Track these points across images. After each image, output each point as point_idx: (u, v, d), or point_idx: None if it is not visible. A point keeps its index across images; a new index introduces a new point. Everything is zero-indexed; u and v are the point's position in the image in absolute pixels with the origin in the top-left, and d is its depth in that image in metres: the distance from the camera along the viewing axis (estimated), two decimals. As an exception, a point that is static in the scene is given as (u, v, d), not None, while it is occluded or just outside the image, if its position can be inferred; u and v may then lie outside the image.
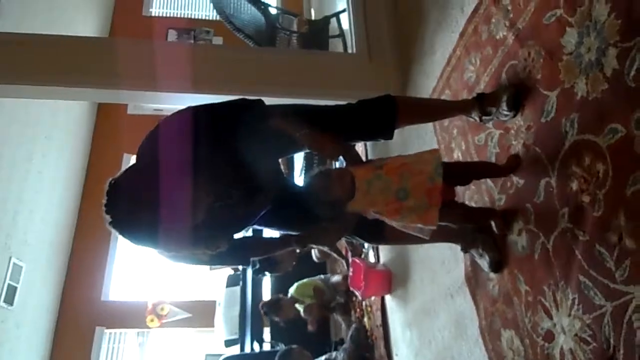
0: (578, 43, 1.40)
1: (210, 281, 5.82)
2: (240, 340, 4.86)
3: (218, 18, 3.99)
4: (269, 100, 1.75)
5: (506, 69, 1.79)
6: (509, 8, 1.77)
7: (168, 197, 1.23)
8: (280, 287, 4.53)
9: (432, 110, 1.83)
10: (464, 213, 1.80)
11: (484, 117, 1.84)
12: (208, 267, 4.82)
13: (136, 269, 6.26)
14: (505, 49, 1.79)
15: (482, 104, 1.79)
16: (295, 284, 4.12)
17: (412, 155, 1.63)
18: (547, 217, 1.52)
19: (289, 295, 4.10)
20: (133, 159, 6.91)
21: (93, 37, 5.51)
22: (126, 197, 1.24)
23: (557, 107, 1.49)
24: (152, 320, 5.62)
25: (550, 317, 1.49)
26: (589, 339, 1.32)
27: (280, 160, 1.81)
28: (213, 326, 5.57)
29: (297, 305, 4.03)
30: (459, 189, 1.89)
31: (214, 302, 5.71)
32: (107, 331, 5.97)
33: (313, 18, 4.55)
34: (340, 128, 1.72)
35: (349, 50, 3.61)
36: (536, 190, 1.58)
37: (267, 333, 4.77)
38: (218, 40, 6.54)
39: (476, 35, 2.00)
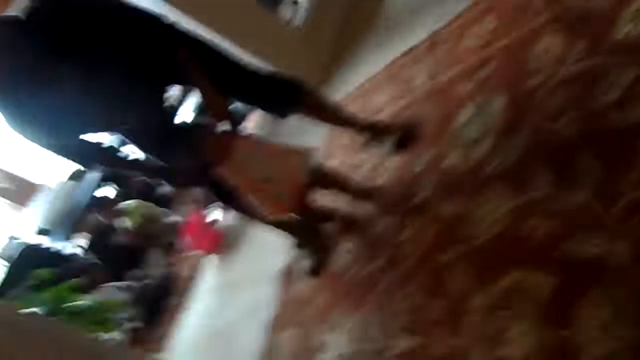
0: (469, 119, 1.54)
1: (46, 164, 5.36)
2: (54, 235, 4.55)
3: None
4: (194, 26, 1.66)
5: (408, 112, 1.90)
6: (435, 63, 1.89)
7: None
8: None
9: (333, 116, 1.88)
10: (312, 209, 1.89)
11: (370, 143, 1.93)
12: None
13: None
14: (415, 95, 1.90)
15: (375, 132, 1.89)
16: (135, 200, 3.99)
17: (290, 147, 1.68)
18: (371, 250, 1.65)
19: (123, 205, 3.97)
20: None
21: None
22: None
23: (426, 166, 1.62)
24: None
25: (331, 332, 1.61)
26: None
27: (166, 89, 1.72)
28: (26, 207, 5.17)
29: (124, 219, 3.91)
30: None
31: (40, 185, 5.30)
32: None
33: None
34: (241, 86, 1.69)
35: (296, 19, 3.58)
36: (376, 224, 1.71)
37: (83, 240, 4.53)
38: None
39: (401, 70, 2.10)
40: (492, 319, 1.10)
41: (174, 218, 4.13)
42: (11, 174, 5.61)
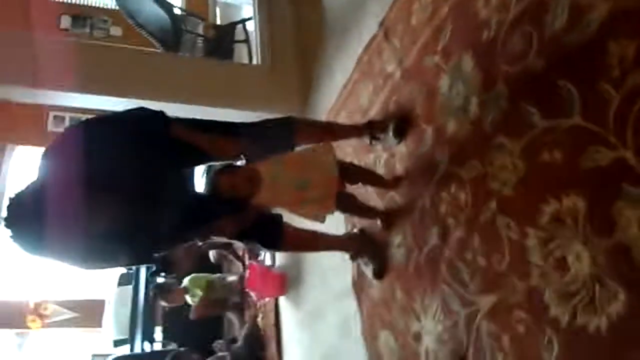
0: (450, 88, 1.65)
1: (99, 280, 5.59)
2: (130, 340, 4.75)
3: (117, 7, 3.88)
4: (167, 107, 1.80)
5: (394, 99, 2.02)
6: (397, 46, 2.00)
7: (68, 214, 1.28)
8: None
9: (328, 132, 2.01)
10: (355, 202, 2.01)
11: (373, 141, 2.05)
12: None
13: (16, 265, 5.82)
14: (393, 82, 2.01)
15: (373, 130, 2.01)
16: (190, 276, 4.15)
17: (308, 150, 1.81)
18: (420, 234, 1.76)
19: (182, 285, 4.13)
20: (19, 151, 6.34)
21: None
22: (28, 214, 1.26)
23: (432, 141, 1.73)
24: (33, 321, 5.27)
25: (419, 320, 1.73)
26: (447, 340, 1.57)
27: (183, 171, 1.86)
28: (101, 326, 5.37)
29: (187, 297, 4.07)
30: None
31: (103, 301, 5.51)
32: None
33: (219, 22, 4.58)
34: (237, 130, 1.83)
35: (254, 57, 3.72)
36: (413, 209, 1.82)
37: (158, 333, 4.73)
38: (116, 31, 6.26)
39: (370, 65, 2.21)
40: (548, 251, 1.20)
41: (232, 278, 4.29)
42: (70, 301, 5.82)
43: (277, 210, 1.91)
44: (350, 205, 2.00)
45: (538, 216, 1.24)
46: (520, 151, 1.31)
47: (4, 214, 1.29)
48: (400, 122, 1.91)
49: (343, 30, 2.57)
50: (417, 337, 1.73)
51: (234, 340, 4.26)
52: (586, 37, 1.15)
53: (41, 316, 5.34)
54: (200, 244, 2.63)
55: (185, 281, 4.15)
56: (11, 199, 1.29)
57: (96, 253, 1.40)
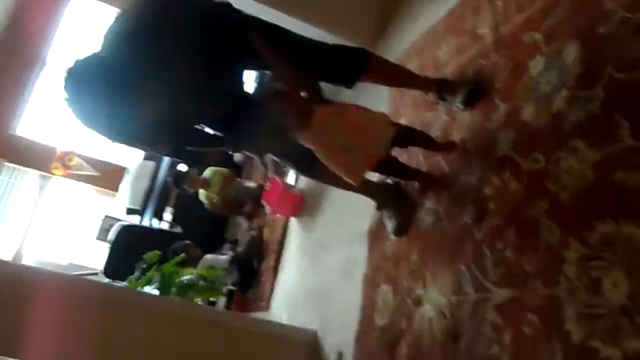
0: (541, 72, 1.54)
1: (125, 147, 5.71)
2: (141, 212, 4.96)
3: None
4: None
5: (475, 64, 1.91)
6: (499, 10, 1.86)
7: (125, 91, 1.28)
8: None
9: (398, 78, 1.93)
10: (395, 166, 1.98)
11: (438, 101, 1.97)
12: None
13: (54, 111, 5.97)
14: (481, 46, 1.89)
15: (442, 89, 1.92)
16: (210, 169, 4.22)
17: (370, 117, 1.75)
18: (455, 207, 1.73)
19: (203, 176, 4.21)
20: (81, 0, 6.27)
21: None
22: (86, 84, 1.27)
23: (502, 120, 1.65)
24: (57, 168, 5.48)
25: (424, 287, 1.74)
26: (447, 314, 1.58)
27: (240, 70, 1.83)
28: (116, 191, 5.57)
29: (201, 191, 4.16)
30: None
31: (125, 168, 5.67)
32: (8, 164, 5.73)
33: None
34: (309, 63, 1.77)
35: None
36: (456, 181, 1.77)
37: (168, 214, 4.90)
38: None
39: (460, 21, 2.08)
40: (586, 269, 1.17)
41: (250, 184, 4.36)
42: (94, 160, 5.99)
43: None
44: (391, 169, 1.96)
45: (588, 232, 1.19)
46: (595, 162, 1.24)
47: (67, 75, 1.30)
48: (474, 90, 1.82)
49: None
50: (418, 301, 1.75)
51: (236, 242, 4.40)
52: None
53: (65, 166, 5.53)
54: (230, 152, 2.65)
55: (207, 172, 4.22)
56: (77, 64, 1.30)
57: (142, 135, 1.42)
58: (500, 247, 1.46)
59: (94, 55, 1.42)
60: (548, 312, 1.23)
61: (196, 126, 1.78)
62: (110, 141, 1.56)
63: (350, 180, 1.75)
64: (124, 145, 1.66)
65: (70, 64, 1.35)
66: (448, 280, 1.63)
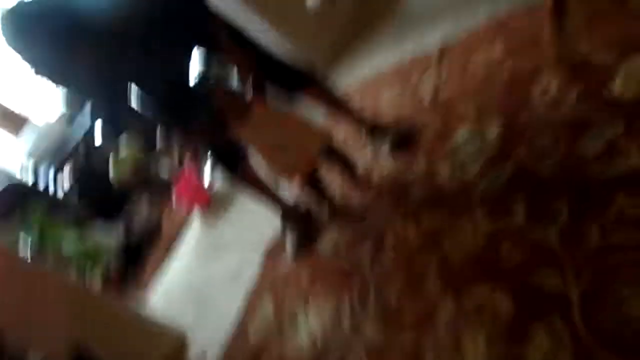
0: (465, 142, 1.66)
1: (38, 100, 5.31)
2: (39, 170, 4.60)
3: None
4: None
5: (409, 117, 2.01)
6: (442, 76, 1.98)
7: (77, 39, 1.25)
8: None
9: (338, 105, 1.99)
10: (318, 184, 2.02)
11: (368, 140, 2.04)
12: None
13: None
14: (418, 103, 2.00)
15: (374, 130, 2.00)
16: (128, 144, 4.05)
17: (310, 125, 1.79)
18: (355, 242, 1.78)
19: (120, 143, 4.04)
20: None
21: None
22: (33, 26, 1.24)
23: (419, 175, 1.74)
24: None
25: (306, 312, 1.76)
26: (318, 345, 1.60)
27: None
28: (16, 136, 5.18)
29: (111, 163, 3.99)
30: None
31: (29, 120, 5.31)
32: None
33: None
34: (261, 61, 1.79)
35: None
36: (363, 220, 1.84)
37: (67, 180, 4.59)
38: None
39: (409, 74, 2.19)
40: (454, 329, 1.24)
41: (165, 163, 4.21)
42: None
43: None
44: (313, 185, 2.00)
45: (465, 295, 1.27)
46: (487, 232, 1.34)
47: (9, 15, 1.25)
48: (402, 141, 1.91)
49: (408, 25, 2.53)
50: (295, 325, 1.76)
51: (131, 222, 4.20)
52: (607, 177, 1.18)
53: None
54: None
55: (123, 150, 4.04)
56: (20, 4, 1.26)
57: (80, 81, 1.36)
58: (386, 290, 1.51)
59: None
60: (411, 361, 1.29)
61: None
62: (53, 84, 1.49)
63: (283, 176, 1.78)
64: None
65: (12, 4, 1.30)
66: (329, 311, 1.66)
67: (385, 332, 1.42)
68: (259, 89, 1.69)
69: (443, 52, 2.07)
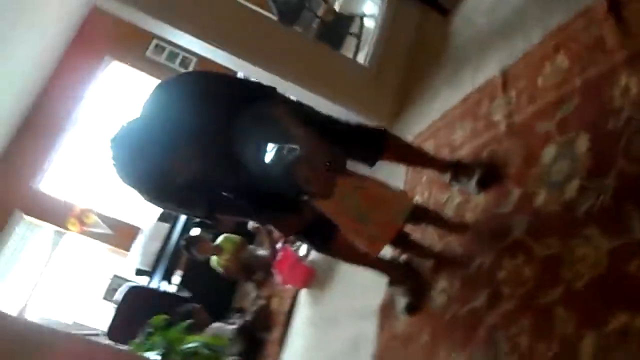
0: (554, 161, 1.59)
1: (142, 207, 5.81)
2: (151, 274, 4.94)
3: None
4: (262, 75, 1.81)
5: (489, 149, 1.97)
6: (512, 100, 1.94)
7: (163, 155, 1.36)
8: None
9: (416, 158, 2.00)
10: (408, 242, 2.00)
11: (453, 182, 2.02)
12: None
13: (76, 170, 6.15)
14: (495, 133, 1.97)
15: (457, 171, 1.97)
16: (223, 236, 4.26)
17: (389, 192, 1.80)
18: (467, 289, 1.72)
19: (216, 243, 4.25)
20: (114, 65, 6.62)
21: None
22: (130, 147, 1.38)
23: (515, 205, 1.68)
24: (73, 224, 5.57)
25: (437, 371, 1.70)
26: (459, 401, 1.54)
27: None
28: (128, 251, 5.60)
29: (213, 258, 4.18)
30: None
31: (138, 228, 5.73)
32: (26, 217, 5.85)
33: (338, 9, 4.61)
34: (332, 139, 1.84)
35: (360, 54, 3.73)
36: (469, 263, 1.78)
37: (177, 277, 4.88)
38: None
39: (476, 106, 2.17)
40: (602, 362, 1.15)
41: (262, 252, 4.36)
42: (110, 218, 6.07)
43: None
44: (404, 244, 1.98)
45: (603, 323, 1.18)
46: (609, 251, 1.25)
47: (112, 138, 1.40)
48: (488, 173, 1.87)
49: (460, 61, 2.54)
50: (429, 386, 1.70)
51: (241, 310, 4.34)
52: None
53: (81, 222, 5.62)
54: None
55: (219, 239, 4.25)
56: (122, 128, 1.41)
57: (177, 197, 1.48)
58: (513, 333, 1.44)
59: (136, 120, 1.51)
60: (563, 405, 1.20)
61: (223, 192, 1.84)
62: (150, 201, 1.63)
63: (369, 251, 1.77)
64: (162, 206, 1.74)
65: (116, 129, 1.44)
66: (460, 364, 1.60)
67: (526, 379, 1.33)
68: (338, 165, 1.73)
69: (506, 76, 2.04)
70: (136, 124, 1.48)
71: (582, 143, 1.50)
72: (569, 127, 1.58)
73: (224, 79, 1.73)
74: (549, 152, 1.63)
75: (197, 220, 4.20)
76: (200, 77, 1.71)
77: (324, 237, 1.97)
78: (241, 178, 1.73)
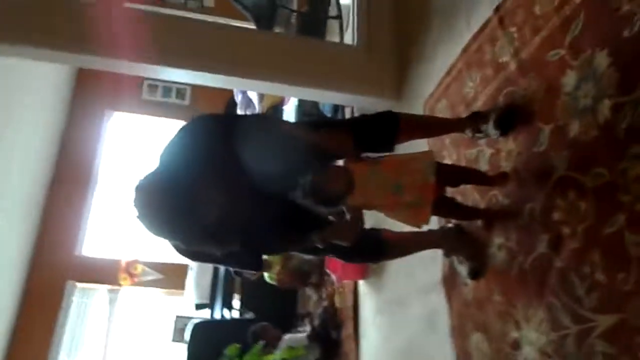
0: (576, 86, 1.52)
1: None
2: (211, 305, 5.00)
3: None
4: (257, 85, 1.76)
5: (504, 92, 1.90)
6: (515, 36, 1.87)
7: (189, 201, 1.34)
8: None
9: (431, 128, 1.94)
10: (453, 207, 1.94)
11: (476, 134, 1.95)
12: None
13: (111, 226, 6.26)
14: (506, 74, 1.89)
15: (476, 121, 1.91)
16: None
17: (407, 155, 1.75)
18: (527, 239, 1.67)
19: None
20: (117, 116, 6.72)
21: None
22: (152, 200, 1.35)
23: (549, 141, 1.61)
24: (124, 279, 5.67)
25: (519, 329, 1.65)
26: (551, 353, 1.49)
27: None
28: (183, 289, 5.67)
29: (265, 274, 4.19)
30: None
31: (186, 265, 5.80)
32: (79, 285, 5.99)
33: (312, -3, 4.53)
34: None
35: (345, 34, 3.65)
36: (519, 213, 1.72)
37: (236, 301, 4.93)
38: (209, 2, 6.42)
39: (479, 53, 2.09)
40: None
41: (310, 256, 4.36)
42: (156, 263, 6.16)
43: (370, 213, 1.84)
44: (450, 210, 1.93)
45: (680, 238, 1.12)
46: (663, 164, 1.19)
47: (135, 191, 1.38)
48: (505, 113, 1.80)
49: (448, 13, 2.45)
50: (516, 345, 1.66)
51: (307, 316, 4.35)
52: None
53: (131, 275, 5.72)
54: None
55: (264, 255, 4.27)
56: (144, 180, 1.39)
57: (212, 239, 1.45)
58: (588, 271, 1.39)
59: (159, 170, 1.49)
60: (662, 331, 1.15)
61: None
62: (180, 251, 1.62)
63: (418, 223, 1.71)
64: (193, 256, 1.72)
65: (138, 181, 1.42)
66: (542, 317, 1.55)
67: (614, 312, 1.28)
68: (357, 158, 1.69)
69: (501, 13, 1.95)
70: (158, 174, 1.46)
71: (602, 60, 1.42)
72: (583, 48, 1.50)
73: (229, 118, 1.71)
74: (569, 79, 1.55)
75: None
76: (209, 120, 1.69)
77: (374, 245, 1.94)
78: (273, 209, 1.69)
